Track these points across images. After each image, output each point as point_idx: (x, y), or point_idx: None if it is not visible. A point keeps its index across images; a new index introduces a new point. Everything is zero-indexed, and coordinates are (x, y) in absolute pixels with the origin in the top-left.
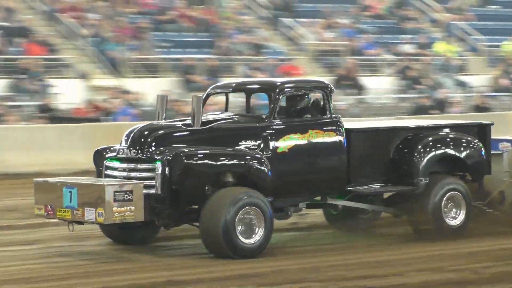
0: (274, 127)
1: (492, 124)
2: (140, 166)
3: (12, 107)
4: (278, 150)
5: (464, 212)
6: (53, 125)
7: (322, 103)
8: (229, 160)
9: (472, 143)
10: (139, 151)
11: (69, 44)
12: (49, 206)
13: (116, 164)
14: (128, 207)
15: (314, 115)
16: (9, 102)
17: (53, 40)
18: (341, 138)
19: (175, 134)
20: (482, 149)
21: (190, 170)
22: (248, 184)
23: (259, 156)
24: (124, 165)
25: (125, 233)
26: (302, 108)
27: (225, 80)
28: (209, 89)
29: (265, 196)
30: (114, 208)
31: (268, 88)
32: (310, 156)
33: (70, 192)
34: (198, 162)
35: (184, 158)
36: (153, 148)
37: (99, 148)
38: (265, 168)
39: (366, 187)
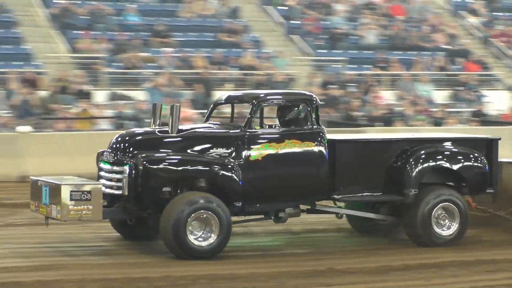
0: (248, 136)
1: (499, 139)
2: (114, 168)
3: (451, 113)
4: (251, 158)
5: (458, 223)
6: (484, 127)
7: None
8: (191, 166)
9: (472, 156)
10: (116, 155)
11: (499, 63)
12: (36, 203)
13: (105, 166)
14: (86, 206)
15: (302, 125)
16: (449, 109)
17: (486, 60)
18: (321, 148)
19: (149, 141)
20: (484, 162)
21: (150, 174)
22: (219, 189)
23: (226, 162)
24: (108, 167)
25: (132, 229)
26: (291, 118)
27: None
28: (215, 100)
29: (234, 201)
30: (70, 207)
31: (248, 100)
32: (285, 165)
33: (46, 190)
34: (158, 167)
35: (145, 162)
36: (127, 153)
37: (100, 150)
38: (232, 175)
39: (352, 195)
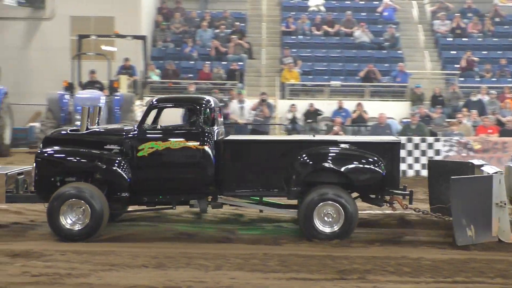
0: (137, 135)
1: (400, 142)
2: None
3: None
4: (139, 154)
5: (342, 221)
6: None
7: (195, 116)
8: (76, 161)
9: (365, 158)
10: (38, 149)
11: None
12: None
13: None
14: None
15: (192, 127)
16: None
17: None
18: (206, 147)
19: (59, 138)
20: (380, 165)
21: (41, 166)
22: (105, 180)
23: (110, 157)
24: None
25: None
26: (189, 120)
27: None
28: None
29: (120, 192)
30: None
31: (146, 103)
32: (169, 162)
33: None
34: (47, 160)
35: (37, 157)
36: (42, 147)
37: None
38: (116, 168)
39: (243, 191)
